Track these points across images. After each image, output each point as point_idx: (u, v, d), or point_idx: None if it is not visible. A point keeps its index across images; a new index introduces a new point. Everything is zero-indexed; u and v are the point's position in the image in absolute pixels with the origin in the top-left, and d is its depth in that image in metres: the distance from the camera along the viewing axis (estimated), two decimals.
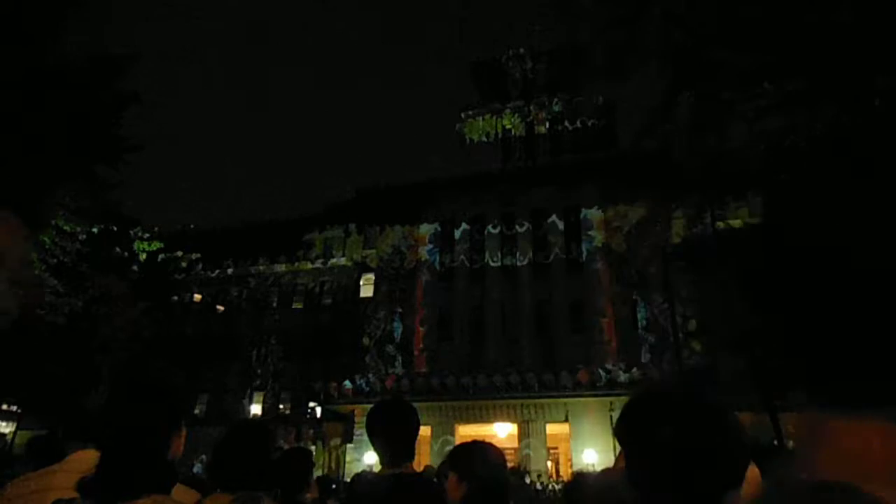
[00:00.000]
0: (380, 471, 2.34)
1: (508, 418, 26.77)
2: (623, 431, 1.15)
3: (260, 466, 2.12)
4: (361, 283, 35.57)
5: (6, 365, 17.89)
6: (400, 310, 32.63)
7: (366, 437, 2.40)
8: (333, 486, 10.06)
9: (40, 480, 1.89)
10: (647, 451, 1.08)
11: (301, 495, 3.06)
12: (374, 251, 35.22)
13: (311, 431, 32.16)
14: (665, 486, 1.05)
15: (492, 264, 32.72)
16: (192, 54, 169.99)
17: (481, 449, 2.22)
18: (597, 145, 34.35)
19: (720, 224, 22.09)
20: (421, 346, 31.60)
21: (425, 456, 25.14)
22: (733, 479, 1.05)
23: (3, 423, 30.86)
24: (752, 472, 2.22)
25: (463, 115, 38.32)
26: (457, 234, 33.88)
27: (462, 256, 33.34)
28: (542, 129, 36.86)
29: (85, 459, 1.93)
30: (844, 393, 0.64)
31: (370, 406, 2.48)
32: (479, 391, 26.84)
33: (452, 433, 26.55)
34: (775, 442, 17.37)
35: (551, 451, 27.11)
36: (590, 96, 35.45)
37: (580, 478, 2.64)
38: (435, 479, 3.48)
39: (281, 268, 37.69)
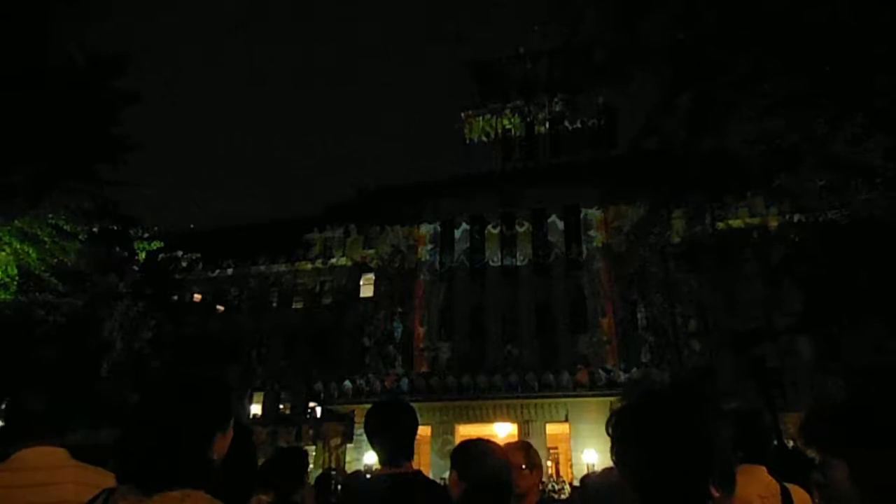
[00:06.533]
0: (378, 470, 2.34)
1: (508, 418, 26.75)
2: (617, 433, 1.16)
3: (247, 468, 2.11)
4: (361, 283, 35.56)
5: (6, 364, 17.87)
6: (400, 310, 32.61)
7: (366, 437, 2.39)
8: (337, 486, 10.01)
9: None
10: (642, 452, 1.08)
11: (296, 495, 3.05)
12: (374, 251, 35.22)
13: (311, 431, 32.16)
14: (659, 485, 1.05)
15: (492, 264, 32.70)
16: (192, 54, 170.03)
17: (482, 448, 2.22)
18: (597, 145, 34.32)
19: (720, 224, 22.12)
20: (421, 346, 31.58)
21: (425, 456, 25.13)
22: (726, 479, 1.06)
23: (3, 423, 30.86)
24: (760, 471, 2.21)
25: (463, 115, 38.27)
26: (457, 234, 33.86)
27: (462, 256, 33.32)
28: (542, 129, 36.83)
29: (30, 457, 1.94)
30: None
31: (370, 406, 2.47)
32: (479, 391, 26.82)
33: (452, 433, 26.52)
34: (775, 442, 17.38)
35: (551, 451, 27.09)
36: (590, 96, 35.47)
37: (589, 479, 2.62)
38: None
39: (281, 268, 37.66)
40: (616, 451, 1.17)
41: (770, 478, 2.01)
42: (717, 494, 1.06)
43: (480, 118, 37.75)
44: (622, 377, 25.25)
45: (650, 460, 1.08)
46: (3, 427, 2.17)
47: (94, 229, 14.99)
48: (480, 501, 2.03)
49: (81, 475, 1.91)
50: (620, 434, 1.17)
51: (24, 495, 1.84)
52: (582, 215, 32.25)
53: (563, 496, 20.08)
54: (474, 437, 2.35)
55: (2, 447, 2.04)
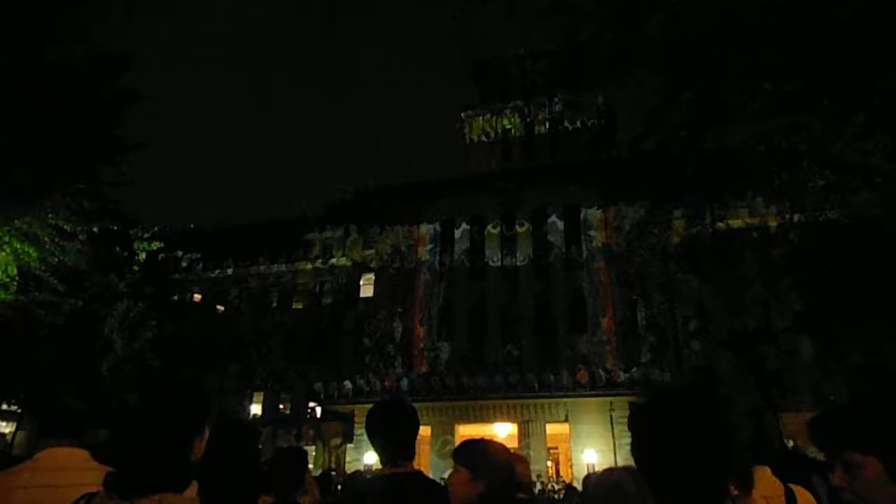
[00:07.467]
0: (379, 470, 2.34)
1: (508, 418, 26.74)
2: (642, 428, 1.16)
3: (253, 468, 2.11)
4: (361, 283, 35.55)
5: (6, 365, 17.87)
6: (400, 310, 32.60)
7: (366, 437, 2.39)
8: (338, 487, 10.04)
9: (6, 479, 1.90)
10: (668, 447, 1.09)
11: (295, 495, 3.04)
12: (373, 251, 35.21)
13: (311, 431, 32.16)
14: (682, 482, 1.06)
15: (492, 264, 32.69)
16: (192, 54, 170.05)
17: (494, 447, 2.21)
18: (597, 145, 34.29)
19: (720, 224, 22.11)
20: (421, 346, 31.58)
21: (425, 456, 25.13)
22: (744, 478, 1.08)
23: (3, 423, 30.82)
24: (765, 472, 2.21)
25: (463, 115, 38.29)
26: (457, 234, 33.85)
27: (462, 256, 33.31)
28: (542, 129, 36.83)
29: (53, 457, 1.94)
30: None
31: (370, 406, 2.47)
32: (479, 391, 26.81)
33: (452, 433, 26.52)
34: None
35: (551, 451, 27.09)
36: (590, 96, 35.48)
37: (589, 479, 2.62)
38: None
39: (281, 268, 37.66)
40: (638, 446, 1.15)
41: (774, 478, 2.01)
42: (735, 492, 1.07)
43: (481, 118, 37.78)
44: (622, 377, 25.24)
45: (675, 456, 1.09)
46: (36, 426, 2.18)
47: (94, 229, 14.94)
48: (502, 501, 2.02)
49: (102, 478, 1.92)
50: (647, 429, 1.16)
51: (50, 496, 1.84)
52: (582, 215, 32.24)
53: (562, 496, 20.08)
54: (476, 437, 2.35)
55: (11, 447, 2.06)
